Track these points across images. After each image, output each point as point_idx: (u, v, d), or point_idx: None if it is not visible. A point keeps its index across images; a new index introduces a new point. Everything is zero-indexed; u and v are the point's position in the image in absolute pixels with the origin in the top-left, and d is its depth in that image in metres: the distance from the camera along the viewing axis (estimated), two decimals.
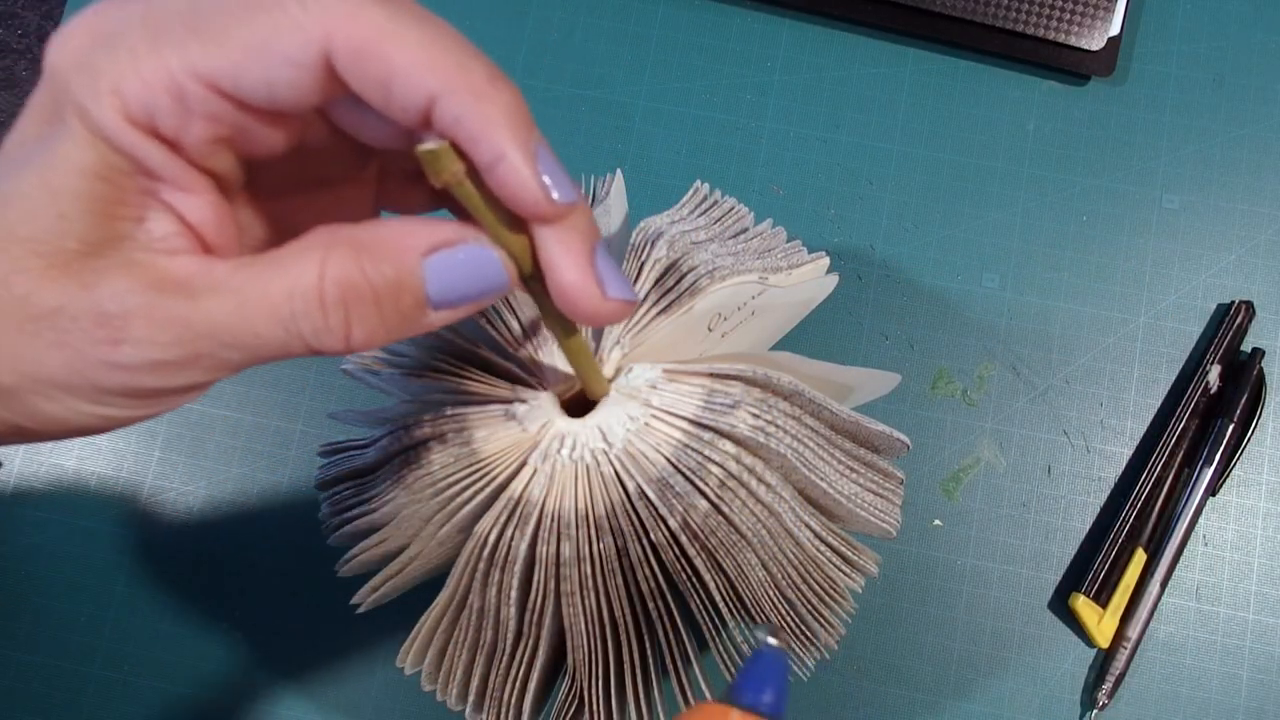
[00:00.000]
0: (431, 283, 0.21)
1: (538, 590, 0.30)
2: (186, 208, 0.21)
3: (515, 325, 0.33)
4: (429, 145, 0.21)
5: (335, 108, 0.23)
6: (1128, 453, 0.44)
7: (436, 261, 0.21)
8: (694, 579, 0.31)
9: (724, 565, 0.31)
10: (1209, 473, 0.42)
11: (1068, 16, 0.46)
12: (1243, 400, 0.43)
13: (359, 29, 0.20)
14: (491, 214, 0.22)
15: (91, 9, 0.20)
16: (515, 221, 0.22)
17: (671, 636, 0.31)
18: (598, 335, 0.32)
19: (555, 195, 0.21)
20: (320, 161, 0.25)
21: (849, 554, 0.34)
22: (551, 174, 0.21)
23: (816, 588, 0.33)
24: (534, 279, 0.23)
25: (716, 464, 0.30)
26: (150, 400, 0.21)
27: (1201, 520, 0.43)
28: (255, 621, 0.43)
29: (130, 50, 0.19)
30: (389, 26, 0.20)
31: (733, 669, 0.33)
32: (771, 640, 0.24)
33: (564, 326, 0.27)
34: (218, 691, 0.42)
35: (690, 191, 0.37)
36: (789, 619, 0.33)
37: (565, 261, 0.22)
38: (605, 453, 0.30)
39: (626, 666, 0.32)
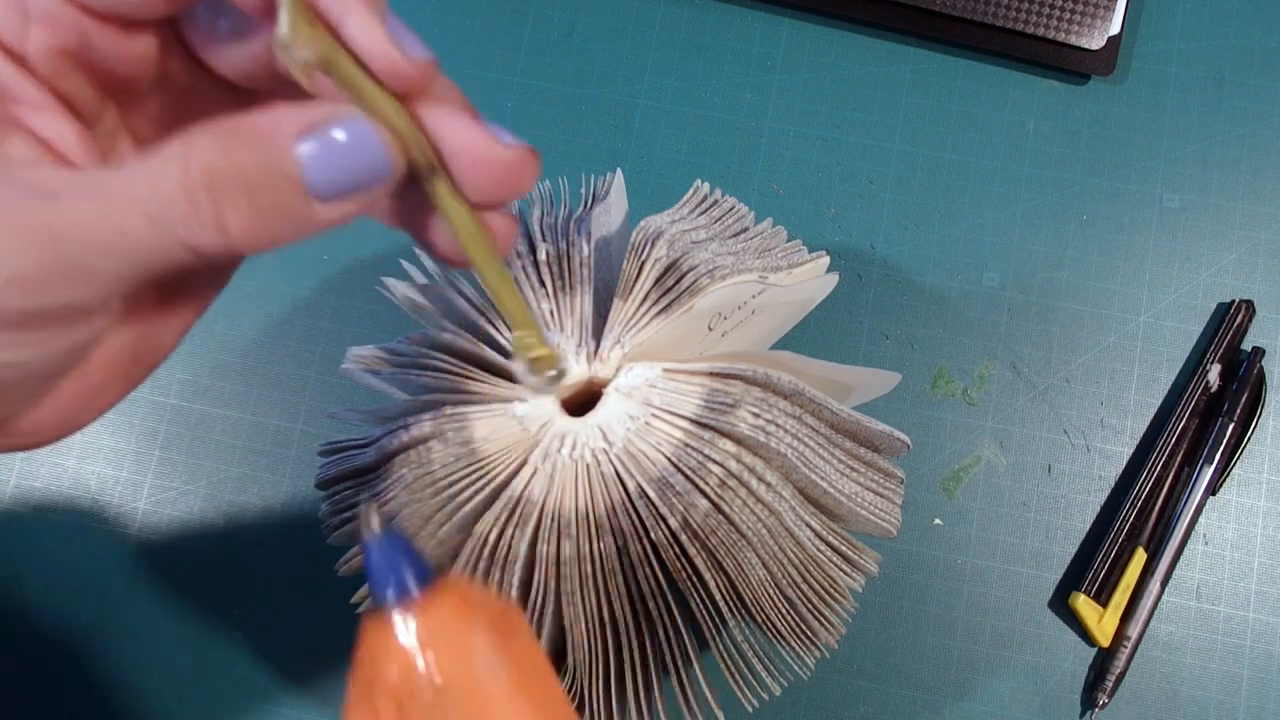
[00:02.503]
0: (309, 168, 0.19)
1: (538, 590, 0.30)
2: (43, 126, 0.20)
3: None
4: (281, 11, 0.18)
5: (189, 31, 0.22)
6: (1128, 452, 0.44)
7: (312, 143, 0.19)
8: (694, 578, 0.31)
9: (724, 564, 0.31)
10: (1209, 472, 0.42)
11: (1068, 16, 0.46)
12: (1243, 399, 0.43)
13: None
14: (370, 84, 0.20)
15: None
16: (393, 97, 0.20)
17: (672, 635, 0.31)
18: (597, 334, 0.32)
19: (411, 52, 0.20)
20: (195, 104, 0.24)
21: (849, 553, 0.34)
22: (402, 32, 0.20)
23: (817, 587, 0.33)
24: (428, 174, 0.21)
25: (717, 463, 0.30)
26: (27, 330, 0.19)
27: (1202, 519, 0.43)
28: (255, 621, 0.43)
29: None
30: None
31: (734, 669, 0.33)
32: (370, 528, 0.22)
33: (481, 241, 0.23)
34: (218, 691, 0.42)
35: (690, 191, 0.37)
36: (790, 618, 0.33)
37: (449, 120, 0.21)
38: (605, 452, 0.30)
39: (626, 666, 0.32)
